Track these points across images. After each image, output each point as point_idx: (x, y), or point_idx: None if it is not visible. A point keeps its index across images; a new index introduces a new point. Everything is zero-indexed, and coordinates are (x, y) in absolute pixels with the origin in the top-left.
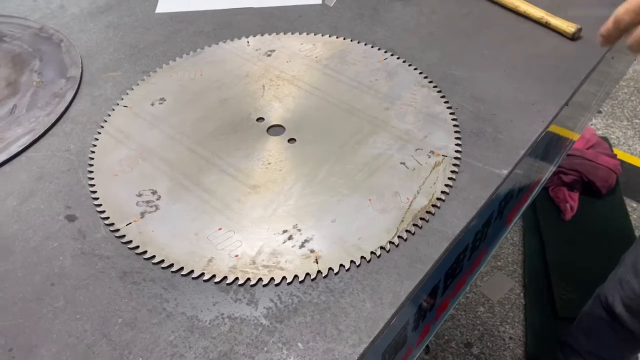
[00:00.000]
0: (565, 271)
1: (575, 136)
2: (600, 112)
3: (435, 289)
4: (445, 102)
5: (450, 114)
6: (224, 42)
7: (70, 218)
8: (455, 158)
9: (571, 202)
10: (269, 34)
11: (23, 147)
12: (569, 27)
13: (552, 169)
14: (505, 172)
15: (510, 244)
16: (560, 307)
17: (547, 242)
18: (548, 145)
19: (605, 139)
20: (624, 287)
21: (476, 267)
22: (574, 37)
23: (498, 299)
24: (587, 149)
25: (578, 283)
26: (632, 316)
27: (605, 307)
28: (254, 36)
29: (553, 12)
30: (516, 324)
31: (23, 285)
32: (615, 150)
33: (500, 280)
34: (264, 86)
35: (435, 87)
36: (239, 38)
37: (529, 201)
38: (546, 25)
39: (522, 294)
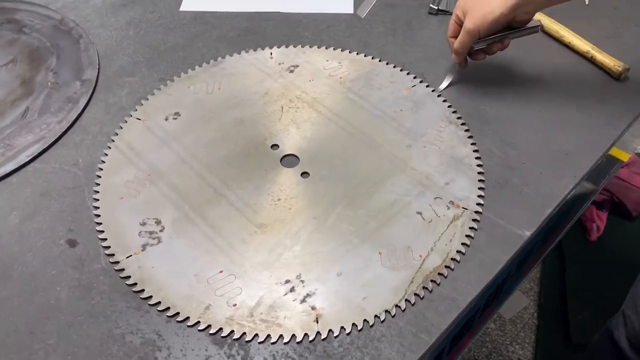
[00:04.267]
0: (584, 295)
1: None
2: None
3: (439, 355)
4: (472, 144)
5: (476, 158)
6: (247, 51)
7: (72, 243)
8: (476, 212)
9: (598, 222)
10: (294, 46)
11: (31, 157)
12: (615, 65)
13: (585, 205)
14: (528, 233)
15: None
16: (574, 332)
17: (568, 262)
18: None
19: None
20: (626, 322)
21: (484, 323)
22: (620, 77)
23: (510, 317)
24: (622, 167)
25: (596, 309)
26: (635, 353)
27: (612, 341)
28: (278, 47)
29: (601, 43)
30: (526, 345)
31: (18, 316)
32: None
33: (514, 297)
34: (282, 107)
35: (463, 124)
36: (262, 48)
37: (552, 246)
38: (591, 61)
39: (535, 314)
